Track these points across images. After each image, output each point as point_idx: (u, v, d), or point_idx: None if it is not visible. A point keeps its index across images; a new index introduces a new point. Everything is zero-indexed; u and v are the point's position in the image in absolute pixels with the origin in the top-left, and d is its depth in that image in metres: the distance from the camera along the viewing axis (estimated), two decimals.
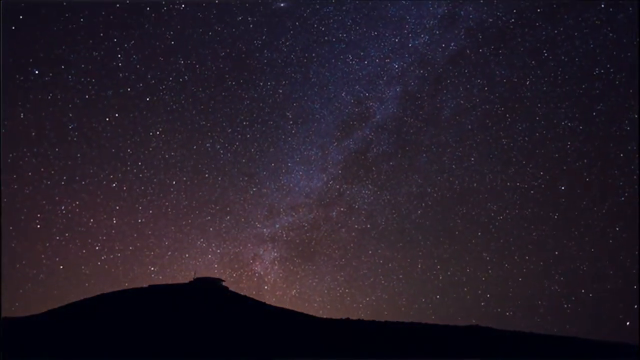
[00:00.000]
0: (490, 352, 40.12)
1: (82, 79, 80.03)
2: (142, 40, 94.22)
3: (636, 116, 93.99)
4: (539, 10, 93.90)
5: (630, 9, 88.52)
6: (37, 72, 73.76)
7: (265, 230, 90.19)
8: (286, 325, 53.76)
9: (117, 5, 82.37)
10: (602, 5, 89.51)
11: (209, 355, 41.23)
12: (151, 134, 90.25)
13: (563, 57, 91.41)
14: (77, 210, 76.93)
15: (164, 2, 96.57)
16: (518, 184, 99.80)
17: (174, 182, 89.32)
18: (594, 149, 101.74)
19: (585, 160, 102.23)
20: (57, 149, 77.21)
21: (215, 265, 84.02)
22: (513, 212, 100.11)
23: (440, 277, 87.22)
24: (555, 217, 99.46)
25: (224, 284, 75.76)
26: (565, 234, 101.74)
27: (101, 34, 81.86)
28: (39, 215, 71.17)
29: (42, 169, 74.25)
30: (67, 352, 42.64)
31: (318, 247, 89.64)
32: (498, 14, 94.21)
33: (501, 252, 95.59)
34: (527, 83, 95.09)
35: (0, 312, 25.33)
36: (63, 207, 73.90)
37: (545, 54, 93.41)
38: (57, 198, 74.97)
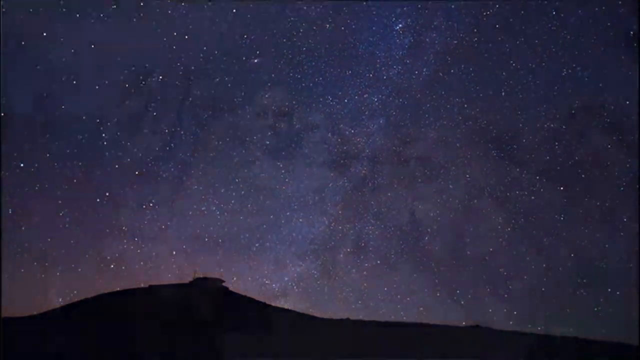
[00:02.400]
0: (491, 351, 41.60)
1: (69, 163, 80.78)
2: (124, 115, 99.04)
3: (613, 107, 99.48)
4: (497, 25, 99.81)
5: (580, 11, 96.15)
6: (22, 164, 74.38)
7: (274, 285, 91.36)
8: (286, 325, 55.28)
9: (97, 87, 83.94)
10: (554, 12, 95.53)
11: (209, 355, 42.74)
12: (144, 206, 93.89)
13: (530, 64, 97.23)
14: (76, 300, 77.25)
15: (141, 77, 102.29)
16: (517, 192, 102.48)
17: (174, 252, 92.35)
18: (581, 145, 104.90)
19: (576, 158, 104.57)
20: (49, 239, 77.14)
21: None
22: (519, 222, 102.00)
23: (462, 302, 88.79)
24: (562, 218, 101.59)
25: (223, 284, 77.37)
26: (576, 235, 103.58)
27: (83, 117, 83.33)
28: (34, 313, 70.60)
29: (35, 263, 74.04)
30: (66, 352, 44.13)
31: (332, 294, 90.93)
32: (460, 35, 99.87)
33: (517, 264, 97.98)
34: (503, 94, 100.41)
35: (0, 311, 26.63)
36: (60, 299, 73.74)
37: (513, 64, 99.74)
38: (52, 289, 74.88)
